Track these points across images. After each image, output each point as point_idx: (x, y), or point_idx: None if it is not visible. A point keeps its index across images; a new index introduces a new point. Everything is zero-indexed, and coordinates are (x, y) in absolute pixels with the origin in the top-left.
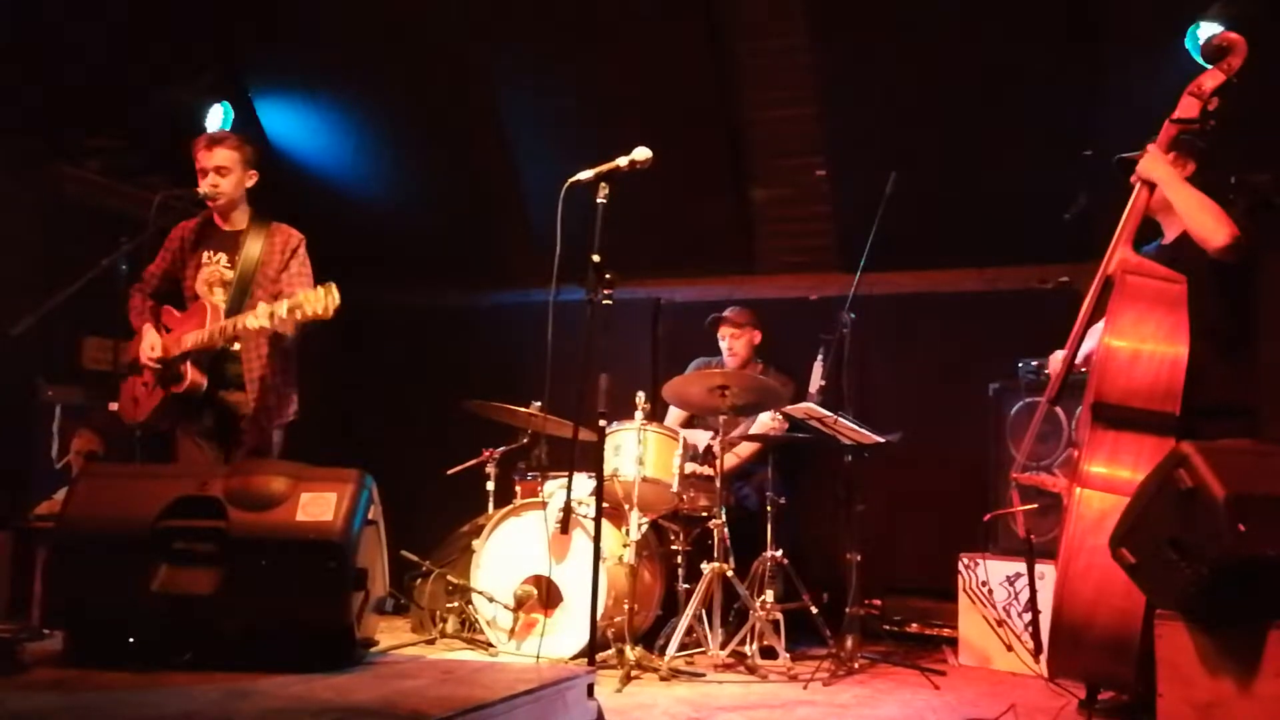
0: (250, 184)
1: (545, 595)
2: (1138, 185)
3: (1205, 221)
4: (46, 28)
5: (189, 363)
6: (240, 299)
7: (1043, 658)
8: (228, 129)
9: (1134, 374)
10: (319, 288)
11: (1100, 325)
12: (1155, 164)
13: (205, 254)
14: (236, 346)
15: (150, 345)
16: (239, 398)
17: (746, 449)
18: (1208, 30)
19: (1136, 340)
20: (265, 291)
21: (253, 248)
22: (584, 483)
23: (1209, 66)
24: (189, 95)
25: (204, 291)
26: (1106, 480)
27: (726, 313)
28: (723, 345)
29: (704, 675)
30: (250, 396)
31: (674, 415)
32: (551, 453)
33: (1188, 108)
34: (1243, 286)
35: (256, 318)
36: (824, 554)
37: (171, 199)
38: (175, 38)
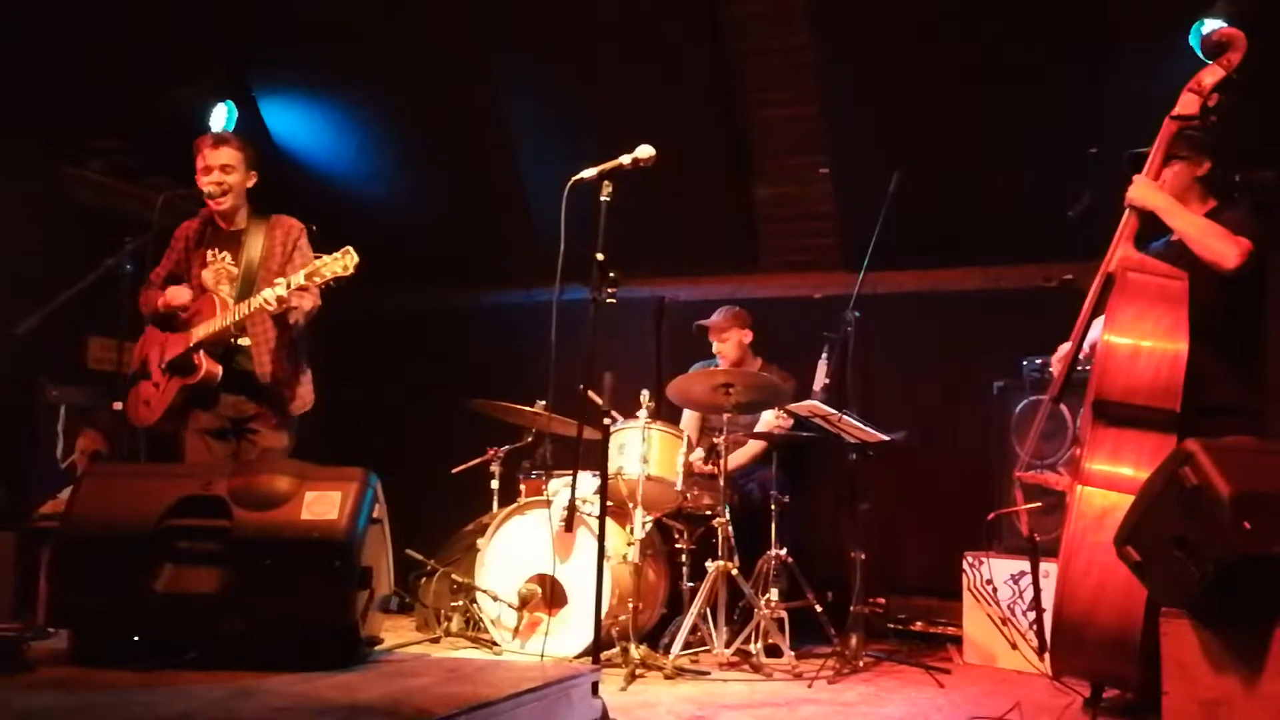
0: (250, 184)
1: (550, 594)
2: (1128, 210)
3: (1214, 245)
4: (49, 27)
5: (202, 353)
6: (247, 293)
7: (1047, 656)
8: (231, 129)
9: (1134, 371)
10: (335, 252)
11: (1103, 319)
12: (1150, 193)
13: (210, 252)
14: (245, 341)
15: (175, 294)
16: (250, 391)
17: (751, 449)
18: (1210, 26)
19: (1136, 337)
20: (270, 285)
21: (255, 243)
22: (588, 481)
23: (1210, 62)
24: (192, 95)
25: (211, 287)
26: (1108, 478)
27: (709, 321)
28: (715, 350)
29: (709, 673)
30: (261, 387)
31: (687, 417)
32: (556, 451)
33: (1188, 104)
34: (1247, 284)
35: (273, 289)
36: (828, 552)
37: (175, 198)
38: (178, 37)
